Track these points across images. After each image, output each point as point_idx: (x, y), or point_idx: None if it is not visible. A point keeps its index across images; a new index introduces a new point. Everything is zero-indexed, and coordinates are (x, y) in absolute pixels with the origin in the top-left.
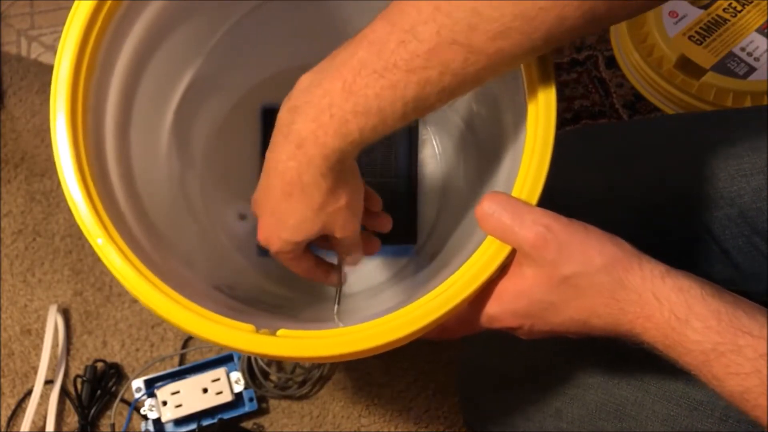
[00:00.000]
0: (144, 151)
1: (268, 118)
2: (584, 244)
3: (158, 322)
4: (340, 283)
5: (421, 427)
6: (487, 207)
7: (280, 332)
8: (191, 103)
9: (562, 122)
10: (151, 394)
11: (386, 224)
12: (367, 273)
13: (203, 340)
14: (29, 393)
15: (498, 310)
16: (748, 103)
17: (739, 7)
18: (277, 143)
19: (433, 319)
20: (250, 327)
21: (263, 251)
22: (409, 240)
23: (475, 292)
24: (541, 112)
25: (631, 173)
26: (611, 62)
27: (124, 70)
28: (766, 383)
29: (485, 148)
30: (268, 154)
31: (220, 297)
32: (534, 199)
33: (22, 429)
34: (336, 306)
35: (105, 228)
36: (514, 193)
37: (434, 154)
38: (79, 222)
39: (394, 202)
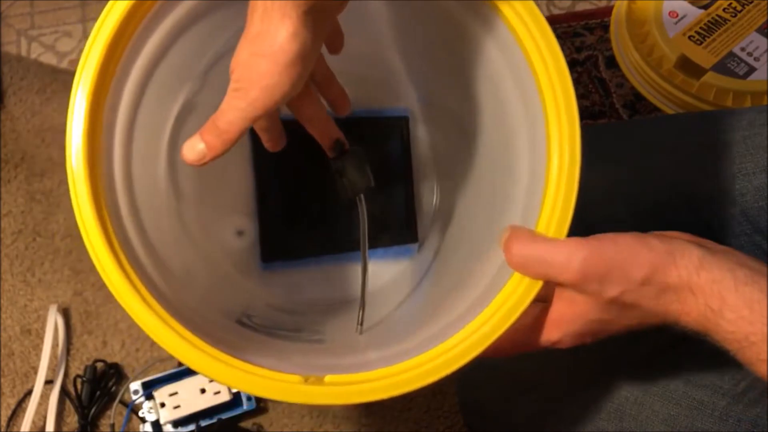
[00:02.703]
0: (147, 191)
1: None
2: (622, 264)
3: None
4: (363, 302)
5: (422, 427)
6: (518, 254)
7: (327, 379)
8: (184, 124)
9: None
10: (149, 396)
11: (344, 105)
12: (369, 276)
13: (253, 394)
14: (29, 393)
15: (559, 335)
16: (748, 103)
17: (739, 7)
18: None
19: (476, 354)
20: (298, 378)
21: (266, 264)
22: (410, 239)
23: (514, 322)
24: (564, 130)
25: (632, 173)
26: (611, 62)
27: (128, 98)
28: None
29: (481, 133)
30: None
31: (247, 333)
32: (563, 232)
33: (22, 429)
34: (359, 327)
35: (139, 294)
36: (540, 228)
37: (427, 149)
38: (111, 290)
39: (391, 202)
